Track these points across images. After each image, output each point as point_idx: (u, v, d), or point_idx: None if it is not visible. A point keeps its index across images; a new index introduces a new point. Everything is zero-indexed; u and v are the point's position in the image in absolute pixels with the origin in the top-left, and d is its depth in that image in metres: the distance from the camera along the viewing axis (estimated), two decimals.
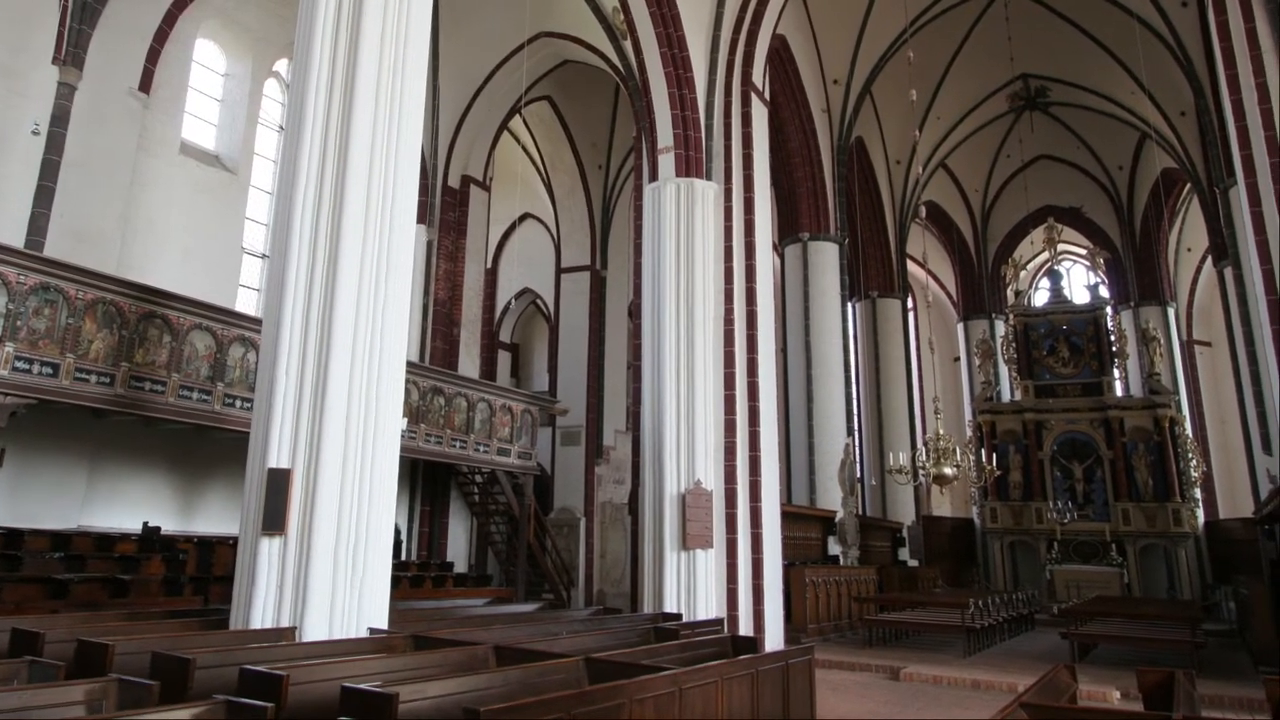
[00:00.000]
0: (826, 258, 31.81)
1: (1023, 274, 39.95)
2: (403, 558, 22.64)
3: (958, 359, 45.96)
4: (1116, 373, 34.15)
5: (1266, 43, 15.72)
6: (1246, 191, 15.93)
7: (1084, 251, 41.18)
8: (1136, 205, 40.42)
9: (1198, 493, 32.65)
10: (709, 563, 18.60)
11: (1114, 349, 33.72)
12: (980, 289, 44.52)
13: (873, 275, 37.98)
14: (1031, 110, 38.71)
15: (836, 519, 28.00)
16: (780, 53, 28.37)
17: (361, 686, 6.86)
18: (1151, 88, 31.39)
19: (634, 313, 24.00)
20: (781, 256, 32.52)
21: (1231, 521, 32.90)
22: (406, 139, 12.31)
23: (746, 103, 22.04)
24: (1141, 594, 30.62)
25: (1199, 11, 24.26)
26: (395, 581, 13.87)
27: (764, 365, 20.55)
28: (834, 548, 27.75)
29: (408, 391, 18.10)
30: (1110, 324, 34.37)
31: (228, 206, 22.49)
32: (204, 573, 16.68)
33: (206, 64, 23.11)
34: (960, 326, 45.23)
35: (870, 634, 21.94)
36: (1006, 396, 37.07)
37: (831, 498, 28.67)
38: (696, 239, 20.05)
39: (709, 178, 20.87)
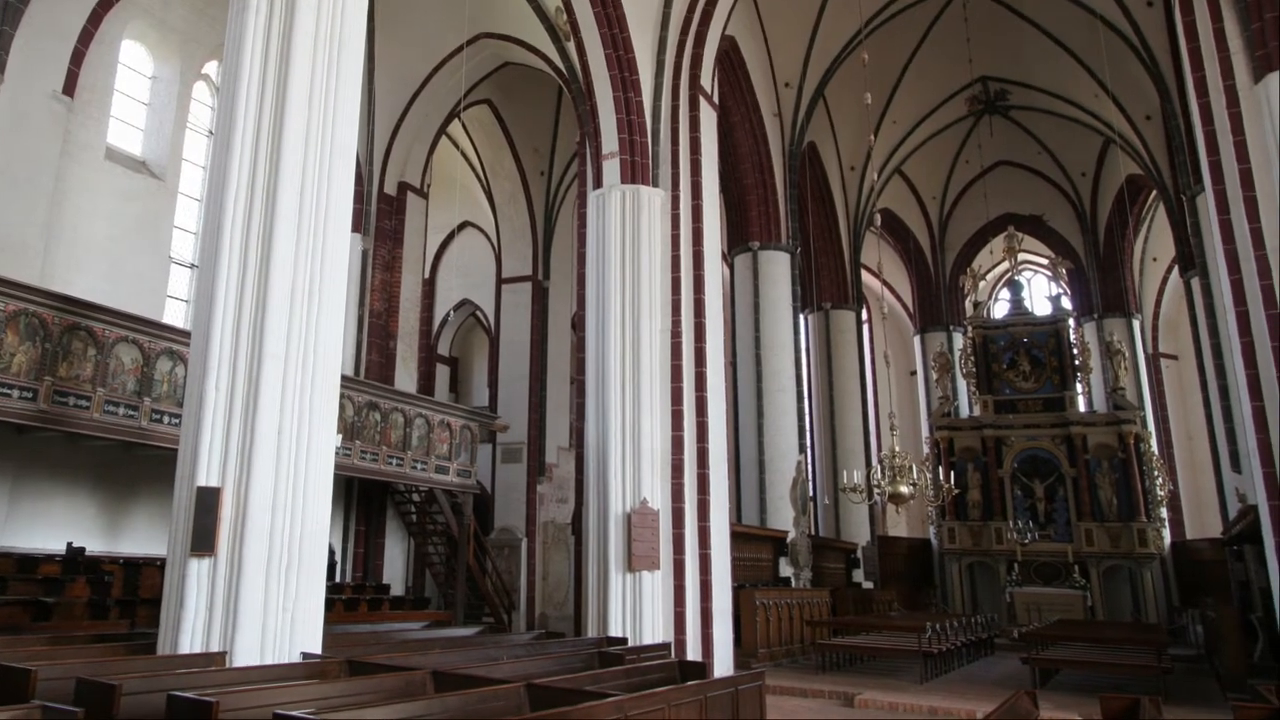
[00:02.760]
0: (778, 268, 31.91)
1: (982, 284, 40.07)
2: (337, 580, 22.62)
3: (914, 373, 46.14)
4: (1079, 387, 34.35)
5: (1235, 44, 15.87)
6: (1214, 198, 16.09)
7: (1045, 261, 41.49)
8: (1100, 213, 40.56)
9: (1164, 512, 32.86)
10: (655, 585, 18.65)
11: (1077, 363, 33.92)
12: (938, 300, 44.63)
13: (826, 286, 38.05)
14: (991, 114, 38.89)
15: (788, 539, 28.11)
16: (730, 55, 28.48)
17: (294, 714, 6.90)
18: (1115, 91, 31.54)
19: (578, 325, 24.03)
20: (731, 266, 32.61)
21: (1199, 542, 33.15)
22: (341, 144, 12.33)
23: (695, 106, 22.09)
24: (1105, 617, 30.81)
25: (1165, 11, 24.47)
26: (329, 604, 13.92)
27: (713, 379, 20.61)
28: (786, 569, 27.86)
29: (342, 406, 18.12)
30: (1073, 336, 34.55)
31: (155, 214, 22.34)
32: (131, 595, 16.63)
33: (133, 66, 22.91)
34: (917, 339, 45.34)
35: (823, 659, 22.06)
36: (965, 412, 37.23)
37: (783, 517, 28.77)
38: (643, 248, 20.09)
39: (655, 184, 20.91)
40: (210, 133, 23.55)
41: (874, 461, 30.38)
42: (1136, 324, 39.68)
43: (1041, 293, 44.54)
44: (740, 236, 32.30)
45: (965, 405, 37.61)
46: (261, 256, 11.17)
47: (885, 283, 44.53)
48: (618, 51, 20.99)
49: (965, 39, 32.82)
